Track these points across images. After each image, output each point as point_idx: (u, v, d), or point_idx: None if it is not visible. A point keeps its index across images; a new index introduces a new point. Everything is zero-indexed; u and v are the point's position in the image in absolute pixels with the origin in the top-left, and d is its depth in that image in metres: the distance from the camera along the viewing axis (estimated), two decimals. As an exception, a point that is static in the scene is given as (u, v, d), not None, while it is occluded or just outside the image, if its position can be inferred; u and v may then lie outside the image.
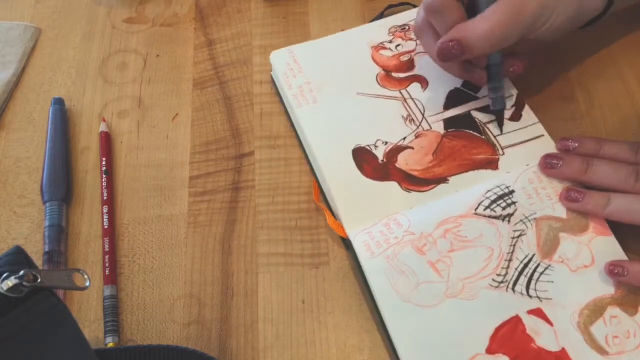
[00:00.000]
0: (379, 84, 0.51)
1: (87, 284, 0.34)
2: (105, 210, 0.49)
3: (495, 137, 0.48)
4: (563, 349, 0.40)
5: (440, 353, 0.40)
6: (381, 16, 0.55)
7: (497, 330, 0.41)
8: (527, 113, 0.49)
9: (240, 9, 0.59)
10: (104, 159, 0.51)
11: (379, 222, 0.44)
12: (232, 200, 0.49)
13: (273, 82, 0.54)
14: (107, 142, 0.52)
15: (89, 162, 0.52)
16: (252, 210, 0.48)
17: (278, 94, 0.53)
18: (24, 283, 0.30)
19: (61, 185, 0.49)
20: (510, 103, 0.49)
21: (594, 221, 0.44)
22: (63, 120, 0.53)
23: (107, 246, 0.47)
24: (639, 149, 0.44)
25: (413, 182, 0.46)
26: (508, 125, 0.48)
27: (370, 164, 0.47)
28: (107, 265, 0.46)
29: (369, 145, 0.48)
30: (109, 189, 0.50)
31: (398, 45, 0.53)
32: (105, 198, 0.49)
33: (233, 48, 0.56)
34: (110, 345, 0.43)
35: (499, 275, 0.42)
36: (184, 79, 0.55)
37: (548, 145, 0.47)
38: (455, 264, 0.43)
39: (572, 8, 0.44)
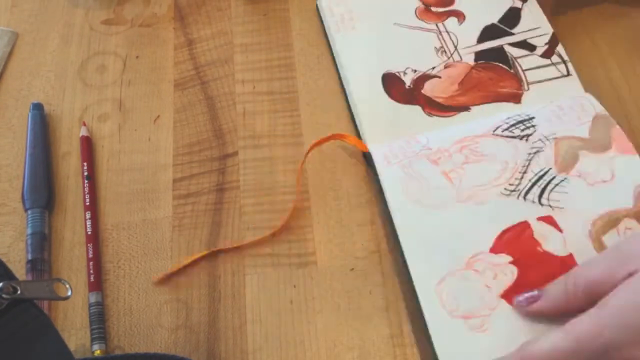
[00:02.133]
0: (417, 16, 0.53)
1: (69, 293, 0.34)
2: (88, 215, 0.48)
3: (523, 71, 0.50)
4: (570, 254, 0.41)
5: (444, 250, 0.42)
6: None
7: (504, 232, 0.42)
8: (560, 52, 0.50)
9: (220, 7, 0.58)
10: (85, 164, 0.50)
11: (399, 140, 0.47)
12: (216, 201, 0.48)
13: (318, 12, 0.56)
14: (88, 147, 0.51)
15: (70, 168, 0.51)
16: (237, 211, 0.48)
17: (321, 23, 0.55)
18: (3, 295, 0.29)
19: (42, 192, 0.49)
20: (544, 40, 0.51)
21: (616, 141, 0.45)
22: (42, 126, 0.52)
23: (90, 252, 0.46)
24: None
25: (436, 107, 0.49)
26: (538, 61, 0.50)
27: (398, 88, 0.50)
28: (92, 271, 0.46)
29: (398, 72, 0.50)
30: (91, 194, 0.49)
31: None
32: (87, 203, 0.48)
33: (214, 47, 0.56)
34: (97, 352, 0.42)
35: (511, 184, 0.44)
36: (164, 79, 0.54)
37: (574, 85, 0.48)
38: (467, 174, 0.45)
39: None
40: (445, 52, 0.51)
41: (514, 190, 0.44)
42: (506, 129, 0.46)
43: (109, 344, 0.44)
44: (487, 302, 0.40)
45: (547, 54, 0.50)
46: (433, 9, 0.53)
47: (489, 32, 0.52)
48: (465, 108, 0.49)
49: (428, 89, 0.49)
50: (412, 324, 0.42)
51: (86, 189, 0.49)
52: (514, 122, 0.47)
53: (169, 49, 0.56)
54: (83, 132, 0.52)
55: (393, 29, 0.53)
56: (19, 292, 0.30)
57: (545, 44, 0.51)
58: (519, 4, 0.53)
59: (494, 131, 0.46)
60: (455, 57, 0.51)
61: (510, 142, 0.46)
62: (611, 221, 0.42)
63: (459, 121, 0.48)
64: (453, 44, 0.51)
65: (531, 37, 0.52)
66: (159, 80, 0.55)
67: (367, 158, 0.48)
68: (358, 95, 0.50)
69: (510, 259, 0.41)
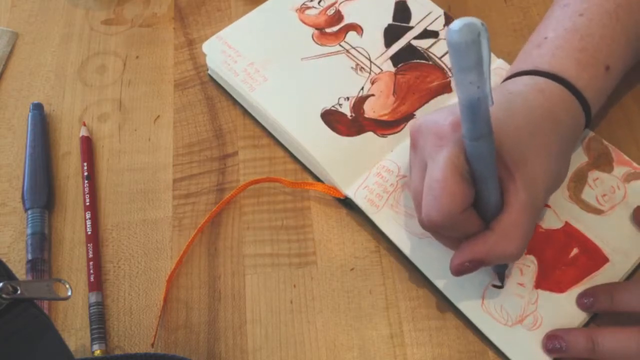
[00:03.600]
0: (317, 43, 0.52)
1: (69, 293, 0.34)
2: (88, 215, 0.48)
3: (439, 59, 0.51)
4: (566, 222, 0.44)
5: (475, 280, 0.42)
6: None
7: None
8: None
9: (220, 7, 0.58)
10: (85, 164, 0.50)
11: (370, 174, 0.46)
12: (216, 201, 0.48)
13: (211, 78, 0.53)
14: (88, 147, 0.51)
15: (70, 168, 0.51)
16: (237, 211, 0.48)
17: (221, 88, 0.53)
18: (3, 295, 0.29)
19: (42, 192, 0.49)
20: (441, 22, 0.52)
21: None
22: (42, 126, 0.52)
23: (90, 252, 0.46)
24: None
25: (385, 126, 0.48)
26: (446, 44, 0.50)
27: (342, 122, 0.48)
28: (92, 271, 0.46)
29: (333, 106, 0.49)
30: (91, 194, 0.49)
31: (320, 1, 0.54)
32: (87, 203, 0.48)
33: (213, 47, 0.56)
34: (97, 352, 0.42)
35: None
36: (164, 79, 0.54)
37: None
38: (406, 202, 0.45)
39: (568, 163, 0.42)
40: (364, 68, 0.50)
41: None
42: None
43: (109, 344, 0.44)
44: (528, 298, 0.42)
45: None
46: (327, 30, 0.52)
47: (390, 34, 0.52)
48: (410, 116, 0.49)
49: (369, 110, 0.49)
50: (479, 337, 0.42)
51: (86, 189, 0.49)
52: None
53: (169, 49, 0.56)
54: (83, 132, 0.52)
55: (303, 65, 0.51)
56: (19, 292, 0.30)
57: (444, 25, 0.52)
58: None
59: None
60: (375, 69, 0.50)
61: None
62: (580, 178, 0.46)
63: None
64: (366, 57, 0.51)
65: (429, 24, 0.53)
66: (159, 81, 0.55)
67: (346, 203, 0.47)
68: (308, 145, 0.47)
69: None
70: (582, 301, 0.41)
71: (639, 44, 0.45)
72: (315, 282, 0.45)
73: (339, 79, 0.50)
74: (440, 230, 0.39)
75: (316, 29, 0.52)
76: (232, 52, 0.51)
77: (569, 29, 0.43)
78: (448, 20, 0.53)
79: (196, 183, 0.49)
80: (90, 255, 0.46)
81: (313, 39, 0.52)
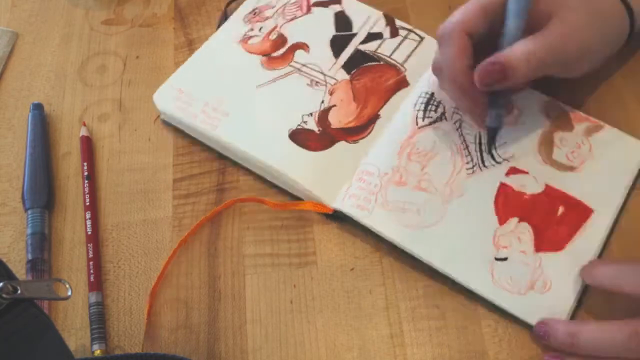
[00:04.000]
0: (267, 69, 0.52)
1: (69, 293, 0.34)
2: (88, 215, 0.48)
3: (389, 57, 0.52)
4: (545, 184, 0.46)
5: (470, 249, 0.44)
6: (225, 15, 0.56)
7: (496, 203, 0.46)
8: (401, 25, 0.54)
9: (220, 7, 0.58)
10: (85, 164, 0.50)
11: (352, 182, 0.47)
12: (216, 201, 0.48)
13: (166, 123, 0.52)
14: (88, 147, 0.51)
15: (70, 167, 0.51)
16: (237, 211, 0.48)
17: (181, 132, 0.51)
18: (3, 295, 0.29)
19: (42, 192, 0.49)
20: (382, 24, 0.54)
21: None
22: (43, 126, 0.52)
23: (91, 252, 0.46)
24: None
25: (353, 132, 0.49)
26: (392, 42, 0.53)
27: (311, 138, 0.49)
28: (92, 271, 0.46)
29: (299, 125, 0.49)
30: (91, 194, 0.49)
31: (261, 28, 0.54)
32: (87, 203, 0.48)
33: (213, 47, 0.56)
34: (97, 352, 0.42)
35: (467, 162, 0.47)
36: (164, 80, 0.54)
37: (432, 44, 0.50)
38: (433, 176, 0.46)
39: (609, 49, 0.45)
40: (318, 82, 0.51)
41: (473, 166, 0.47)
42: (424, 117, 0.49)
43: (109, 344, 0.44)
44: (532, 264, 0.43)
45: (393, 33, 0.53)
46: (274, 55, 0.53)
47: (337, 44, 0.53)
48: (375, 117, 0.49)
49: (335, 121, 0.49)
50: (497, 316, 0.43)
51: (86, 189, 0.49)
52: (423, 105, 0.49)
53: (169, 49, 0.56)
54: (83, 132, 0.52)
55: (260, 92, 0.50)
56: (19, 292, 0.30)
57: (386, 25, 0.53)
58: (337, 7, 0.55)
59: (417, 125, 0.48)
60: (330, 81, 0.51)
61: (437, 128, 0.48)
62: (547, 142, 0.47)
63: (379, 130, 0.49)
64: (318, 72, 0.51)
65: (371, 28, 0.54)
66: (159, 81, 0.54)
67: (336, 216, 0.47)
68: (282, 166, 0.47)
69: (517, 219, 0.45)
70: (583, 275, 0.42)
71: None
72: (315, 282, 0.45)
73: (298, 98, 0.50)
74: (442, 44, 0.44)
75: (263, 55, 0.53)
76: (185, 97, 0.50)
77: None
78: (388, 20, 0.54)
79: (196, 183, 0.49)
80: (90, 255, 0.46)
81: (262, 65, 0.52)
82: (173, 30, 0.57)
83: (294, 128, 0.49)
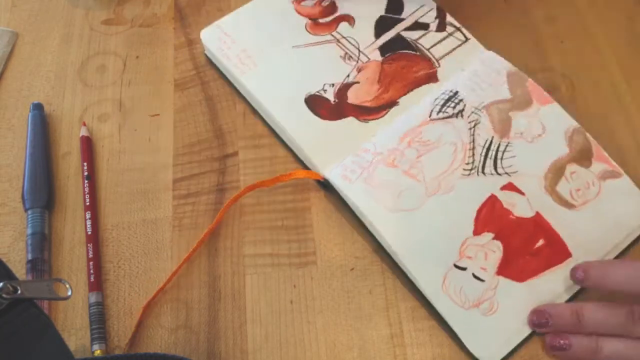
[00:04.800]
0: (309, 32, 0.53)
1: (69, 293, 0.34)
2: (88, 215, 0.48)
3: (428, 50, 0.52)
4: (537, 212, 0.44)
5: (435, 248, 0.43)
6: None
7: (479, 212, 0.44)
8: (451, 21, 0.53)
9: (220, 7, 0.58)
10: (85, 164, 0.50)
11: (348, 156, 0.47)
12: (216, 201, 0.48)
13: (208, 59, 0.55)
14: (88, 147, 0.51)
15: (71, 168, 0.51)
16: (237, 211, 0.48)
17: (217, 69, 0.54)
18: (3, 295, 0.29)
19: (43, 192, 0.49)
20: (432, 15, 0.53)
21: (534, 95, 0.48)
22: (43, 126, 0.52)
23: (91, 252, 0.46)
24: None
25: (367, 112, 0.49)
26: (435, 36, 0.52)
27: (324, 107, 0.49)
28: (92, 271, 0.46)
29: (318, 91, 0.50)
30: (91, 194, 0.49)
31: None
32: (87, 203, 0.48)
33: (213, 47, 0.56)
34: (97, 352, 0.42)
35: (467, 163, 0.46)
36: (164, 80, 0.54)
37: (475, 48, 0.51)
38: (426, 166, 0.46)
39: None
40: (352, 57, 0.51)
41: (472, 169, 0.46)
42: (439, 111, 0.48)
43: (109, 344, 0.44)
44: (488, 283, 0.42)
45: (440, 28, 0.53)
46: (321, 20, 0.54)
47: (381, 25, 0.53)
48: (393, 103, 0.50)
49: (352, 97, 0.50)
50: (436, 321, 0.43)
51: (86, 189, 0.49)
52: (443, 101, 0.49)
53: (169, 49, 0.56)
54: (83, 132, 0.52)
55: (294, 53, 0.52)
56: (19, 292, 0.30)
57: (435, 18, 0.53)
58: None
59: (430, 117, 0.48)
60: (363, 58, 0.52)
61: (449, 122, 0.48)
62: (558, 170, 0.46)
63: (392, 117, 0.49)
64: (355, 47, 0.52)
65: (420, 17, 0.53)
66: (159, 81, 0.55)
67: (324, 184, 0.47)
68: (290, 127, 0.48)
69: (492, 235, 0.44)
70: (575, 275, 0.41)
71: None
72: (315, 282, 0.45)
73: (327, 67, 0.51)
74: None
75: (310, 19, 0.54)
76: (228, 40, 0.53)
77: None
78: (440, 14, 0.53)
79: (196, 183, 0.49)
80: (90, 255, 0.46)
81: (306, 28, 0.53)
82: (173, 30, 0.57)
83: (312, 93, 0.50)
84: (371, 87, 0.50)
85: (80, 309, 0.45)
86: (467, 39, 0.52)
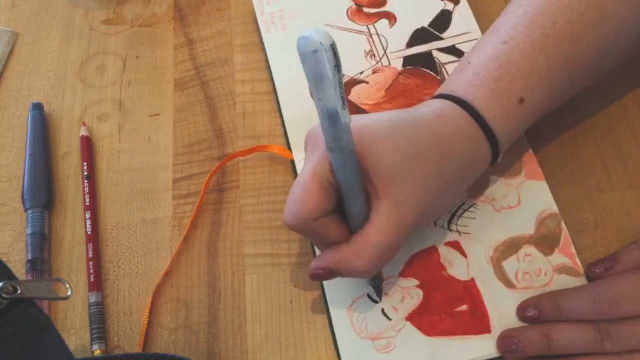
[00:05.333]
0: (348, 17, 0.52)
1: (69, 293, 0.34)
2: (88, 215, 0.48)
3: (450, 75, 0.49)
4: (472, 279, 0.42)
5: (359, 284, 0.42)
6: None
7: (413, 257, 0.43)
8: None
9: (220, 7, 0.58)
10: (85, 164, 0.50)
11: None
12: (216, 201, 0.48)
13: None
14: (88, 147, 0.51)
15: (70, 168, 0.51)
16: (237, 211, 0.48)
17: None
18: (3, 295, 0.29)
19: (43, 192, 0.49)
20: (472, 44, 0.50)
21: (527, 165, 0.46)
22: (42, 126, 0.52)
23: (91, 252, 0.46)
24: (596, 299, 0.39)
25: (361, 114, 0.47)
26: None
27: None
28: (92, 271, 0.46)
29: None
30: (91, 194, 0.49)
31: None
32: (87, 203, 0.48)
33: (214, 47, 0.56)
34: (97, 352, 0.42)
35: None
36: (164, 80, 0.54)
37: None
38: None
39: (457, 194, 0.42)
40: (375, 56, 0.50)
41: None
42: None
43: (109, 344, 0.44)
44: (394, 323, 0.41)
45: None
46: (365, 9, 0.53)
47: (419, 36, 0.52)
48: None
49: (355, 95, 0.49)
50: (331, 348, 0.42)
51: (86, 189, 0.49)
52: None
53: (169, 49, 0.56)
54: (83, 132, 0.52)
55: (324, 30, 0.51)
56: (19, 292, 0.30)
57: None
58: (450, 7, 0.53)
59: None
60: (384, 61, 0.51)
61: None
62: (513, 247, 0.43)
63: None
64: (383, 47, 0.51)
65: (460, 43, 0.52)
66: (159, 81, 0.55)
67: (293, 166, 0.47)
68: (285, 101, 0.49)
69: (417, 282, 0.42)
70: (525, 314, 0.41)
71: (565, 79, 0.41)
72: (315, 282, 0.45)
73: (346, 56, 0.49)
74: (299, 232, 0.39)
75: (355, 4, 0.53)
76: None
77: (490, 57, 0.41)
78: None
79: (196, 183, 0.49)
80: (90, 255, 0.46)
81: (347, 13, 0.53)
82: (173, 30, 0.57)
83: None
84: (377, 92, 0.49)
85: (80, 309, 0.45)
86: None
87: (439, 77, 0.50)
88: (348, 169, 0.35)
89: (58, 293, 0.33)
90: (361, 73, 0.50)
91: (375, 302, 0.42)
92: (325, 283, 0.43)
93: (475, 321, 0.41)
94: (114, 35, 0.58)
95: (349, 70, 0.50)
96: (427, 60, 0.51)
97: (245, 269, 0.46)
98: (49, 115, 0.54)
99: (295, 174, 0.47)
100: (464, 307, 0.42)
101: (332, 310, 0.42)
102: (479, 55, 0.42)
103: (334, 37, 0.49)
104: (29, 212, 0.48)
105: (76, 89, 0.55)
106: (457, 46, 0.51)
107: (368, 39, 0.51)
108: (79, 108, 0.54)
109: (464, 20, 0.53)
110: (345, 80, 0.49)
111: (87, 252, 0.47)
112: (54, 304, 0.45)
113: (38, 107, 0.53)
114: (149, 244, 0.47)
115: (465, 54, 0.45)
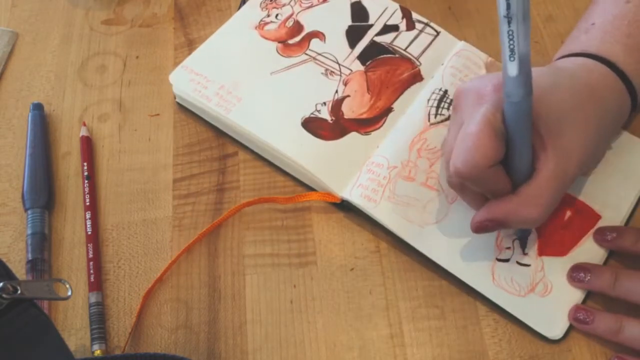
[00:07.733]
0: (282, 56, 0.52)
1: (69, 293, 0.34)
2: (88, 215, 0.48)
3: (404, 50, 0.52)
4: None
5: (472, 248, 0.44)
6: (243, 0, 0.56)
7: None
8: (417, 18, 0.54)
9: (220, 8, 0.58)
10: (85, 164, 0.50)
11: (361, 173, 0.47)
12: (216, 201, 0.48)
13: (180, 106, 0.53)
14: (88, 147, 0.51)
15: (71, 168, 0.51)
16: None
17: (194, 114, 0.52)
18: (3, 295, 0.29)
19: (43, 192, 0.49)
20: (398, 16, 0.53)
21: None
22: (43, 126, 0.52)
23: (91, 252, 0.46)
24: None
25: (366, 124, 0.49)
26: (407, 35, 0.53)
27: (324, 127, 0.49)
28: (92, 271, 0.46)
29: (312, 113, 0.49)
30: (91, 194, 0.49)
31: (277, 15, 0.54)
32: (87, 203, 0.48)
33: (213, 47, 0.56)
34: (97, 353, 0.42)
35: None
36: (164, 80, 0.54)
37: (447, 40, 0.52)
38: (440, 174, 0.46)
39: (607, 144, 0.45)
40: (334, 72, 0.51)
41: None
42: (436, 114, 0.49)
43: (109, 344, 0.44)
44: (535, 266, 0.43)
45: (409, 27, 0.53)
46: (290, 42, 0.53)
47: (353, 35, 0.53)
48: (389, 110, 0.49)
49: (348, 111, 0.49)
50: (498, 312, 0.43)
51: (86, 189, 0.49)
52: (436, 102, 0.49)
53: (169, 49, 0.56)
54: (83, 132, 0.52)
55: (274, 79, 0.50)
56: (19, 292, 0.30)
57: (402, 18, 0.53)
58: None
59: (429, 121, 0.49)
60: (345, 71, 0.51)
61: (448, 125, 0.47)
62: None
63: (391, 123, 0.49)
64: (334, 61, 0.51)
65: (387, 19, 0.53)
66: (159, 81, 0.55)
67: (343, 206, 0.47)
68: (293, 154, 0.47)
69: None
70: (577, 275, 0.43)
71: None
72: (315, 282, 0.45)
73: (312, 86, 0.50)
74: (466, 181, 0.40)
75: (279, 42, 0.53)
76: (201, 79, 0.50)
77: (617, 16, 0.44)
78: (405, 13, 0.54)
79: (196, 183, 0.49)
80: (90, 255, 0.46)
81: (278, 52, 0.52)
82: (173, 30, 0.57)
83: (307, 116, 0.49)
84: (362, 98, 0.50)
85: (80, 309, 0.45)
86: (438, 32, 0.53)
87: (397, 55, 0.52)
88: (523, 118, 0.37)
89: (58, 293, 0.33)
90: (336, 92, 0.50)
91: (506, 261, 0.44)
92: (457, 274, 0.43)
93: (584, 217, 0.45)
94: (114, 35, 0.58)
95: (324, 96, 0.50)
96: (376, 48, 0.52)
97: (245, 269, 0.46)
98: (49, 115, 0.54)
99: (350, 210, 0.47)
100: (569, 213, 0.45)
101: (484, 292, 0.43)
102: (603, 16, 0.45)
103: (287, 79, 0.50)
104: (29, 212, 0.48)
105: (76, 89, 0.55)
106: (387, 23, 0.53)
107: (315, 62, 0.51)
108: (79, 108, 0.54)
109: (374, 1, 0.54)
110: (329, 106, 0.49)
111: (87, 252, 0.47)
112: (54, 304, 0.45)
113: (38, 107, 0.53)
114: (149, 244, 0.47)
115: (582, 18, 0.47)
